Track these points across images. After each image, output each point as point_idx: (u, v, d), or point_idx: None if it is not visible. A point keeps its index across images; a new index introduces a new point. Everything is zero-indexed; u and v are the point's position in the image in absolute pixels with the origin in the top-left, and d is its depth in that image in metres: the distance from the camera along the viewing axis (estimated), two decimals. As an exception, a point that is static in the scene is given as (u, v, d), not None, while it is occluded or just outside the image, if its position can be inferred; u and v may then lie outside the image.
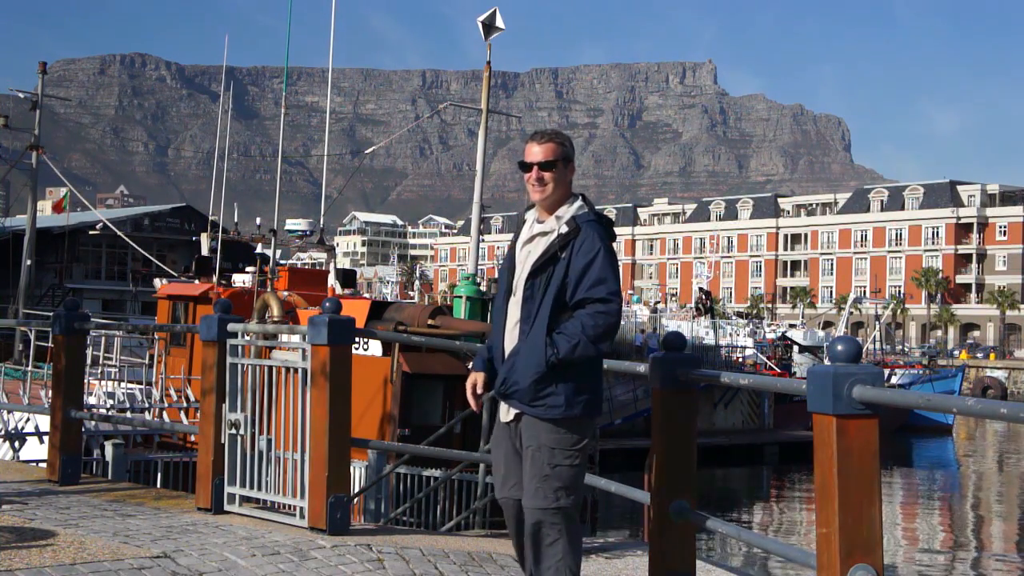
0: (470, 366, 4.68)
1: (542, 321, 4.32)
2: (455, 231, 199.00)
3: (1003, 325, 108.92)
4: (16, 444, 13.55)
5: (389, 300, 32.42)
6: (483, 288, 25.31)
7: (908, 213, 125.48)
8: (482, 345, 4.74)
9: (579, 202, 4.46)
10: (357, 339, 7.21)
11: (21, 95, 34.60)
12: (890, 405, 3.81)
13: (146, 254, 37.56)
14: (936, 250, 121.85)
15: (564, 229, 4.36)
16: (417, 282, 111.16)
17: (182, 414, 16.91)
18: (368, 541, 6.29)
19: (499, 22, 21.92)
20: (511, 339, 4.41)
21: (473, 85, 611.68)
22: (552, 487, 4.31)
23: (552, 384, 4.32)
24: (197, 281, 23.31)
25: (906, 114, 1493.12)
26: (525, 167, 4.49)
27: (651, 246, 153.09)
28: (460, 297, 21.18)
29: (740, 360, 54.47)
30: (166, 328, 20.16)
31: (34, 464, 10.42)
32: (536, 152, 4.47)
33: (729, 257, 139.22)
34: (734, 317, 79.38)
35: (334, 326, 6.40)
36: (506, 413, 4.47)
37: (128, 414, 15.42)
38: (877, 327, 69.96)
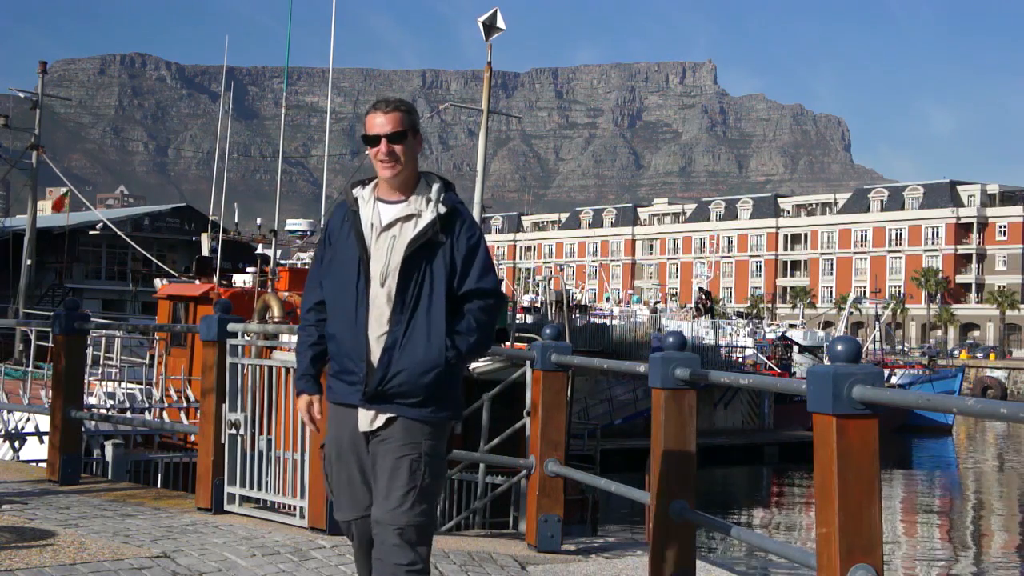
0: (299, 387, 4.09)
1: (437, 314, 3.85)
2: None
3: (1003, 325, 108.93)
4: (16, 444, 13.54)
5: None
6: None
7: (908, 213, 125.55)
8: (303, 362, 4.08)
9: (439, 181, 3.99)
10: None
11: (21, 95, 34.61)
12: (890, 405, 3.81)
13: (146, 254, 37.52)
14: (936, 250, 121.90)
15: (442, 210, 3.90)
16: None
17: (182, 414, 16.91)
18: (368, 541, 6.28)
19: (500, 22, 21.91)
20: (378, 333, 3.85)
21: (473, 85, 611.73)
22: (427, 498, 3.85)
23: (443, 385, 3.87)
24: (198, 281, 23.30)
25: (906, 114, 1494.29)
26: (372, 140, 3.93)
27: (651, 246, 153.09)
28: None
29: (740, 360, 54.49)
30: (166, 328, 20.15)
31: (34, 464, 10.42)
32: (383, 123, 3.92)
33: (729, 257, 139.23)
34: (734, 317, 79.36)
35: (334, 326, 6.39)
36: (371, 420, 3.87)
37: (128, 414, 15.42)
38: (877, 327, 69.94)
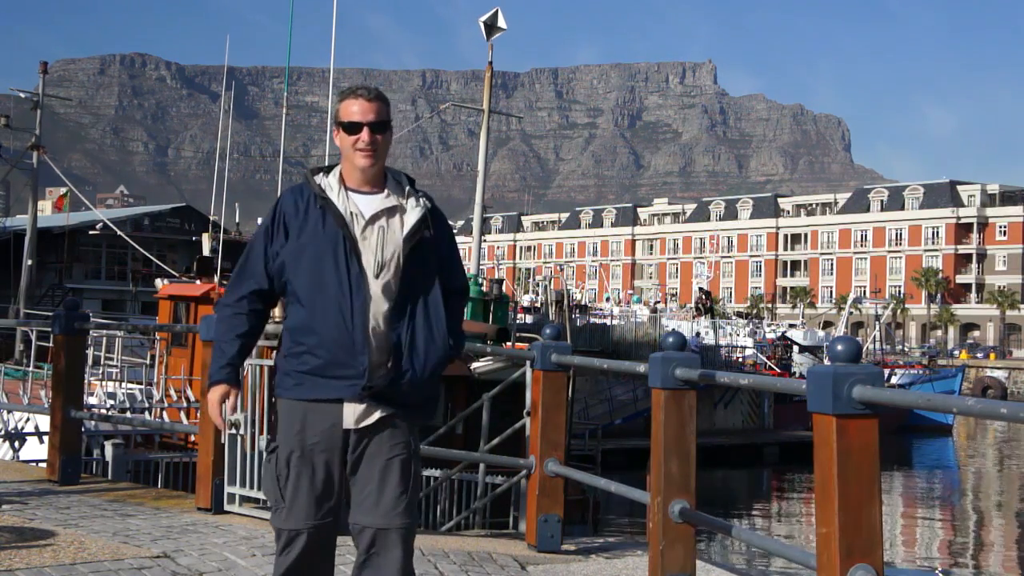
0: (219, 376, 3.81)
1: (436, 312, 3.77)
2: (455, 231, 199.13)
3: (1003, 325, 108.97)
4: (16, 444, 13.54)
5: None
6: (485, 288, 25.33)
7: (908, 213, 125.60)
8: (230, 350, 3.84)
9: (403, 175, 3.90)
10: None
11: (22, 95, 34.66)
12: (890, 405, 3.81)
13: (147, 254, 37.54)
14: (936, 250, 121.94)
15: (427, 204, 3.84)
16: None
17: (182, 414, 16.90)
18: (368, 541, 6.27)
19: (501, 22, 21.94)
20: (375, 328, 3.69)
21: (473, 85, 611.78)
22: (415, 498, 3.79)
23: (436, 383, 3.84)
24: (198, 281, 23.31)
25: (906, 114, 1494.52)
26: (353, 128, 3.78)
27: (651, 246, 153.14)
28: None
29: (740, 360, 54.50)
30: (167, 328, 20.15)
31: (34, 464, 10.41)
32: (366, 110, 3.79)
33: (729, 257, 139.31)
34: (734, 317, 79.38)
35: (334, 326, 6.38)
36: (360, 416, 3.70)
37: (128, 414, 15.42)
38: (877, 327, 69.94)
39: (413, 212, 3.82)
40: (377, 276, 3.72)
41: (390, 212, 3.80)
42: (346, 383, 3.67)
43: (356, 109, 3.79)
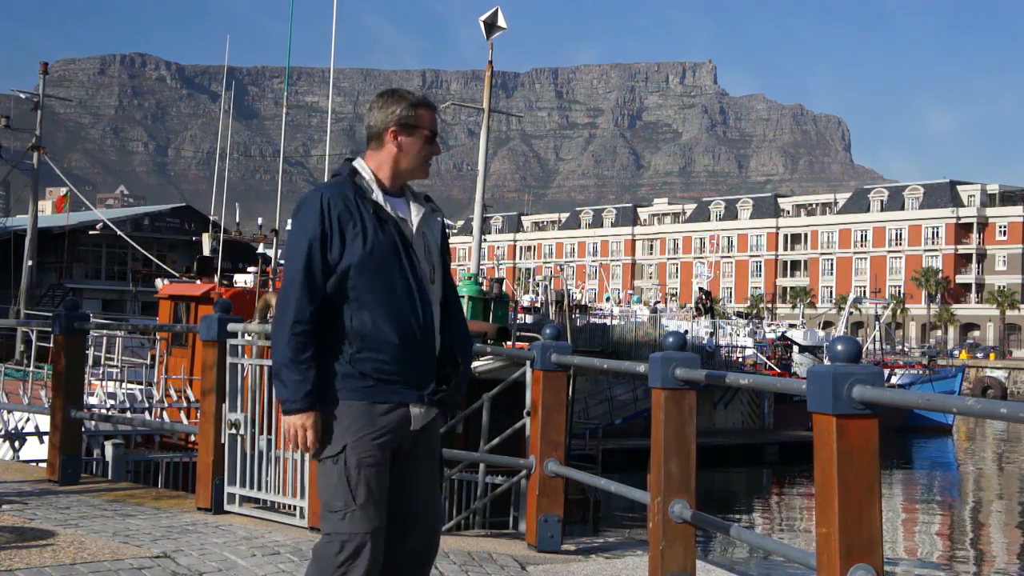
0: (303, 404, 3.61)
1: (463, 313, 3.94)
2: (455, 231, 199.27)
3: (1003, 325, 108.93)
4: (16, 444, 13.54)
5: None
6: (485, 288, 25.33)
7: (908, 213, 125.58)
8: (311, 376, 3.63)
9: None
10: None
11: (22, 95, 34.64)
12: (890, 405, 3.80)
13: (146, 254, 37.57)
14: (936, 250, 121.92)
15: (439, 209, 3.89)
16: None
17: (182, 414, 16.90)
18: (368, 541, 6.27)
19: (501, 21, 21.94)
20: (436, 332, 3.74)
21: (473, 85, 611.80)
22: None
23: None
24: (199, 281, 23.32)
25: (906, 114, 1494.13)
26: (435, 138, 3.81)
27: (651, 246, 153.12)
28: (462, 297, 21.13)
29: (740, 360, 54.50)
30: (167, 328, 20.15)
31: (34, 464, 10.42)
32: (436, 122, 3.80)
33: (729, 257, 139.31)
34: (734, 317, 79.37)
35: (334, 326, 6.38)
36: (425, 418, 3.75)
37: (128, 414, 15.42)
38: (877, 327, 69.95)
39: (436, 217, 3.88)
40: (432, 282, 3.76)
41: (424, 217, 3.82)
42: (416, 388, 3.70)
43: (432, 120, 3.78)
